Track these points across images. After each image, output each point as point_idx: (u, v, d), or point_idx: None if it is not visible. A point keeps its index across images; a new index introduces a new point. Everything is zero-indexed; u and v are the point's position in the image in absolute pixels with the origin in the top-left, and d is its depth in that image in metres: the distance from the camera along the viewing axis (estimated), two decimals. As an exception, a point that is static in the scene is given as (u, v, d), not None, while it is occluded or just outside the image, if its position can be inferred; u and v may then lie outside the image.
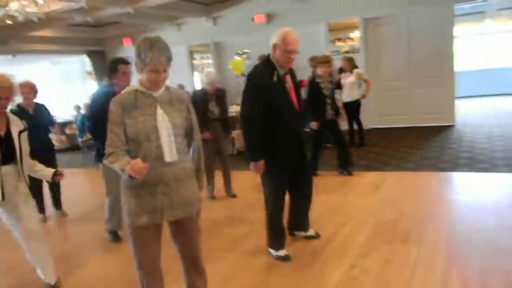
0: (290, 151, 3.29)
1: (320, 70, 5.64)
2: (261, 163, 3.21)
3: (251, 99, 3.22)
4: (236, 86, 9.34)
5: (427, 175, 5.51)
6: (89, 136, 9.20)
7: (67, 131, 11.57)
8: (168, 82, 2.32)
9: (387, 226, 3.89)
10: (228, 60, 10.13)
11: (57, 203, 5.44)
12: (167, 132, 2.19)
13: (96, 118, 3.82)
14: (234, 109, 8.08)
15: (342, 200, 4.88)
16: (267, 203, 3.39)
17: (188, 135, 2.38)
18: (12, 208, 3.09)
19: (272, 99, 3.15)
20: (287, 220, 3.67)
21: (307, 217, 3.73)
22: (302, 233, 3.73)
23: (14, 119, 3.10)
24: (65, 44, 11.68)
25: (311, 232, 3.76)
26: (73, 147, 11.38)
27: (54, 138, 5.33)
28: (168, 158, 2.19)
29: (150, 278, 2.31)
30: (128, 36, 11.73)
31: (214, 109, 5.29)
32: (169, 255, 2.59)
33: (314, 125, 5.67)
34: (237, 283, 3.13)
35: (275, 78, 3.17)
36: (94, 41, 12.27)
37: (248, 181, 5.84)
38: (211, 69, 11.04)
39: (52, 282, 3.33)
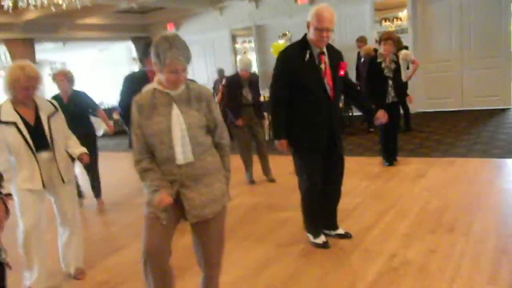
0: (319, 135, 3.14)
1: (382, 48, 5.19)
2: (284, 141, 3.16)
3: (278, 78, 3.14)
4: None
5: (477, 161, 5.21)
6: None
7: (114, 116, 11.96)
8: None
9: (432, 215, 3.72)
10: (270, 43, 10.01)
11: (95, 190, 5.40)
12: (181, 133, 2.13)
13: (124, 103, 3.79)
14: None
15: (385, 186, 4.72)
16: (300, 187, 3.32)
17: (212, 133, 2.27)
18: (53, 194, 3.17)
19: (301, 79, 3.04)
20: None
21: (336, 216, 3.48)
22: (332, 232, 3.46)
23: (42, 104, 3.06)
24: (111, 31, 11.99)
25: (340, 230, 3.48)
26: (120, 132, 11.76)
27: (100, 123, 5.44)
28: (181, 160, 2.13)
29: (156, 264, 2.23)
30: (172, 22, 11.87)
31: (247, 94, 5.27)
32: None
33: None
34: (273, 271, 3.09)
35: (307, 58, 3.04)
36: (139, 27, 12.50)
37: (288, 166, 5.77)
38: (245, 54, 10.99)
39: (73, 271, 3.33)
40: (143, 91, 2.24)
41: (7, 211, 1.90)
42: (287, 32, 9.01)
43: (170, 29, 11.83)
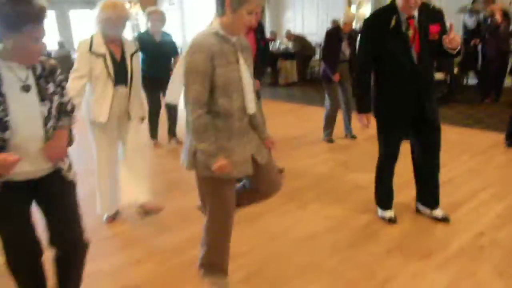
0: (403, 107, 2.95)
1: None
2: (366, 115, 3.07)
3: (362, 45, 3.00)
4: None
5: None
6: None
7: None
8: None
9: (534, 202, 3.46)
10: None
11: (172, 129, 5.57)
12: (249, 81, 2.13)
13: None
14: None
15: (487, 164, 4.42)
16: (378, 158, 3.23)
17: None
18: (117, 129, 3.28)
19: (385, 47, 2.86)
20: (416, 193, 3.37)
21: (434, 192, 3.23)
22: (428, 211, 3.29)
23: (126, 42, 3.23)
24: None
25: (438, 212, 3.24)
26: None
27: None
28: (250, 110, 2.18)
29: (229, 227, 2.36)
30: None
31: (345, 49, 5.12)
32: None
33: None
34: (338, 236, 3.11)
35: (392, 24, 2.83)
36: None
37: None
38: (360, 6, 10.43)
39: (143, 201, 3.35)
40: (205, 35, 2.04)
41: (70, 140, 2.04)
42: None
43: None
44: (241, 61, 2.10)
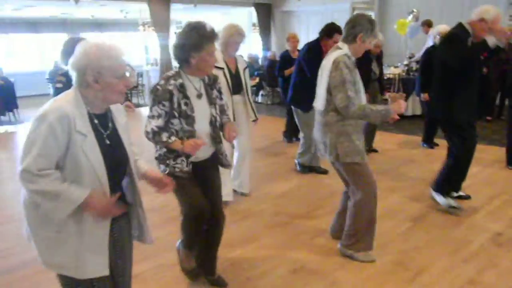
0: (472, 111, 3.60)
1: None
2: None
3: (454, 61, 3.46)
4: (397, 47, 9.24)
5: None
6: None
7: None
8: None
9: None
10: (391, 19, 9.94)
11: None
12: (361, 84, 2.90)
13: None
14: (392, 71, 8.11)
15: (498, 174, 4.81)
16: (459, 152, 3.61)
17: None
18: (239, 130, 4.00)
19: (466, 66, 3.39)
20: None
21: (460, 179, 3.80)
22: (454, 193, 3.84)
23: (239, 58, 3.98)
24: (237, -5, 12.68)
25: (461, 192, 3.91)
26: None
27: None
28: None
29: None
30: (295, -9, 12.19)
31: (375, 69, 5.53)
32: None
33: None
34: (385, 226, 3.45)
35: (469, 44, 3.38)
36: (262, -6, 13.04)
37: (391, 140, 6.06)
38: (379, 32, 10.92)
39: (247, 191, 4.37)
40: (341, 55, 2.78)
41: None
42: (414, 10, 8.83)
43: (293, -2, 12.22)
44: (358, 75, 2.85)
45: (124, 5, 12.45)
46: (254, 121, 4.21)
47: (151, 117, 2.36)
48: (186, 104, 2.37)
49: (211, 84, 2.52)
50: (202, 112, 2.44)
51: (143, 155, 2.04)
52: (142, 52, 14.82)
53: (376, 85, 5.59)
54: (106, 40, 1.73)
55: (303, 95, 4.51)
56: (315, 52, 4.47)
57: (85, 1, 10.64)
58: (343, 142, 2.81)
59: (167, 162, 2.44)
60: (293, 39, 6.25)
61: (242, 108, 4.03)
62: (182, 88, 2.36)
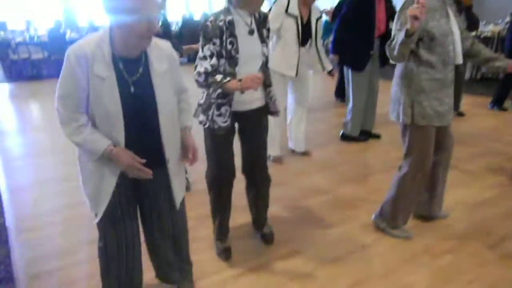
0: None
1: None
2: None
3: None
4: (498, 2, 8.30)
5: None
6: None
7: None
8: None
9: None
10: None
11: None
12: (459, 35, 2.41)
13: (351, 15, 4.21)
14: (491, 29, 7.36)
15: None
16: None
17: None
18: (300, 82, 3.93)
19: None
20: None
21: None
22: None
23: (314, 9, 3.75)
24: None
25: None
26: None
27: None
28: (459, 60, 2.42)
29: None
30: None
31: (461, 23, 5.01)
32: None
33: None
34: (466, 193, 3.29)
35: None
36: None
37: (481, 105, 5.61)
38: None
39: (301, 150, 4.27)
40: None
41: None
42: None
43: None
44: (451, 14, 2.39)
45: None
46: (329, 72, 4.02)
47: (203, 57, 2.17)
48: (231, 43, 2.16)
49: (261, 22, 2.29)
50: (252, 50, 2.23)
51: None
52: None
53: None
54: None
55: (353, 49, 4.23)
56: None
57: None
58: (421, 101, 2.42)
59: (209, 112, 2.26)
60: None
61: (307, 60, 3.85)
62: (230, 26, 2.15)
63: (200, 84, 2.20)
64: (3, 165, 4.25)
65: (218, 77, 2.14)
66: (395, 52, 2.30)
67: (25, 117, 6.55)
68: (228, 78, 2.13)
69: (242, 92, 2.13)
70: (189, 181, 3.37)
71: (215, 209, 2.53)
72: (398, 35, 2.27)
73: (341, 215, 3.01)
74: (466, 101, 6.11)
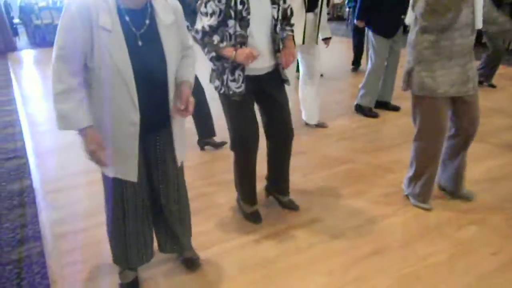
0: None
1: None
2: None
3: None
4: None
5: None
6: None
7: (336, 0, 12.18)
8: None
9: None
10: None
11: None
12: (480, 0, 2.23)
13: None
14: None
15: None
16: None
17: None
18: (308, 50, 3.77)
19: None
20: None
21: None
22: None
23: None
24: None
25: None
26: (338, 17, 12.09)
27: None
28: (479, 25, 2.25)
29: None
30: None
31: None
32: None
33: None
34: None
35: None
36: None
37: None
38: None
39: (314, 122, 4.13)
40: None
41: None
42: None
43: None
44: None
45: None
46: (325, 39, 3.84)
47: (205, 14, 2.09)
48: (242, 3, 2.05)
49: None
50: (261, 12, 2.12)
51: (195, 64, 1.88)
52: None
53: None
54: None
55: (383, 15, 4.00)
56: None
57: None
58: (420, 70, 2.34)
59: (223, 77, 2.21)
60: None
61: (315, 28, 3.68)
62: None
63: (196, 41, 2.16)
64: (29, 129, 4.34)
65: (215, 38, 2.10)
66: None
67: (48, 83, 6.61)
68: (224, 44, 2.10)
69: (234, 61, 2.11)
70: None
71: (243, 173, 2.49)
72: None
73: (362, 185, 2.98)
74: (502, 72, 5.89)
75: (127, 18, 1.54)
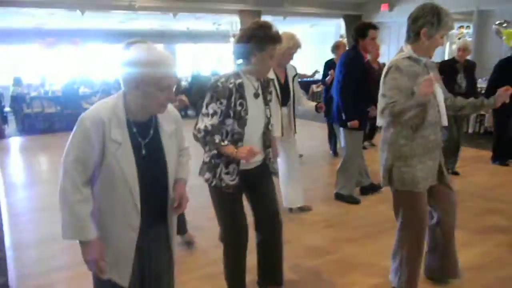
0: None
1: None
2: None
3: None
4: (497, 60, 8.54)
5: None
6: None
7: (315, 89, 12.86)
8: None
9: None
10: (492, 31, 9.24)
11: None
12: (441, 97, 2.38)
13: (347, 81, 4.07)
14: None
15: None
16: None
17: None
18: (287, 139, 3.85)
19: None
20: None
21: None
22: None
23: (289, 66, 3.74)
24: (325, 8, 12.57)
25: None
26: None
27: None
28: (445, 122, 2.40)
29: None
30: (387, 1, 11.82)
31: (461, 81, 5.01)
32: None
33: None
34: None
35: None
36: (353, 5, 12.82)
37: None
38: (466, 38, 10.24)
39: (299, 204, 4.09)
40: (400, 59, 2.32)
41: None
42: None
43: (384, 9, 11.87)
44: (433, 78, 2.22)
45: (217, 18, 13.05)
46: (316, 107, 3.87)
47: (206, 114, 2.23)
48: (241, 104, 2.24)
49: (265, 87, 2.42)
50: (257, 112, 2.34)
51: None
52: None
53: None
54: (160, 48, 1.61)
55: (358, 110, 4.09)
56: (353, 60, 4.06)
57: (183, 14, 11.34)
58: (400, 166, 2.38)
59: (216, 170, 2.30)
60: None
61: (290, 121, 3.81)
62: (240, 88, 2.25)
63: (197, 139, 2.27)
64: (9, 220, 4.25)
65: (217, 138, 2.21)
66: (404, 118, 2.26)
67: (34, 170, 6.64)
68: (226, 142, 2.21)
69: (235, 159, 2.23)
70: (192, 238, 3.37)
71: (235, 266, 2.50)
72: (405, 105, 2.21)
73: (349, 278, 2.94)
74: (470, 155, 6.16)
75: (134, 130, 1.64)
